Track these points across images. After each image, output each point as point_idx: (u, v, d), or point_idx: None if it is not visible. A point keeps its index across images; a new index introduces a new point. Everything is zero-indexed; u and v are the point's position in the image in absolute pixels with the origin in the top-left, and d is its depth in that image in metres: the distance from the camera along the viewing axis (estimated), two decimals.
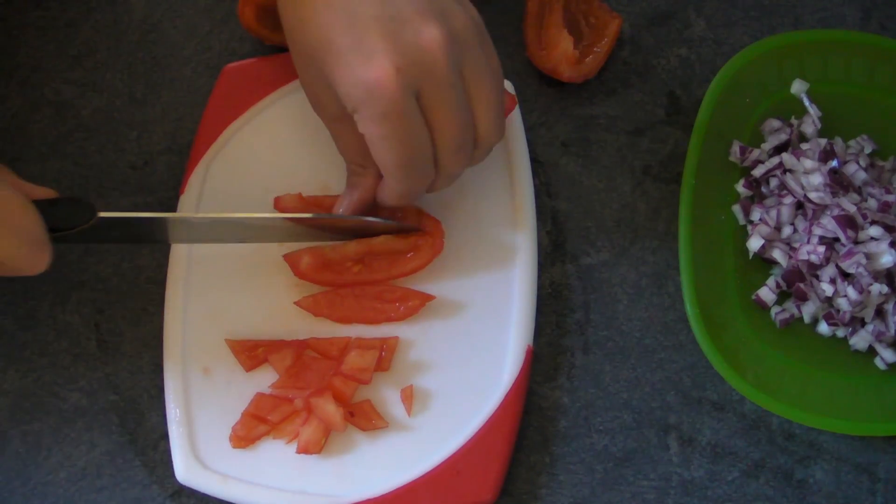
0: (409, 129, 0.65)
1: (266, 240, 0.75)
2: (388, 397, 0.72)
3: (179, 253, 0.75)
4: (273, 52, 0.81)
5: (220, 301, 0.74)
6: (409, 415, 0.72)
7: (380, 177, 0.71)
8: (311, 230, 0.74)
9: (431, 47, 0.64)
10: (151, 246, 0.77)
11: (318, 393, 0.71)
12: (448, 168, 0.68)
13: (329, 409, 0.70)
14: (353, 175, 0.72)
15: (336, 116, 0.69)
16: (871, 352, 0.74)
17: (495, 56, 0.68)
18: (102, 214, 0.66)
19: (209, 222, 0.72)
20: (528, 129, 0.79)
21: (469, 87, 0.66)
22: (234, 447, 0.71)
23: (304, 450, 0.70)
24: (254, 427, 0.71)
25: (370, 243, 0.74)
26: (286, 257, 0.74)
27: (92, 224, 0.65)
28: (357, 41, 0.64)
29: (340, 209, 0.73)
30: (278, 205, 0.75)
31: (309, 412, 0.71)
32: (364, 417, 0.71)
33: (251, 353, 0.73)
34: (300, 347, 0.73)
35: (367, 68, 0.63)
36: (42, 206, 0.63)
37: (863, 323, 0.74)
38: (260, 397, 0.72)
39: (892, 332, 0.73)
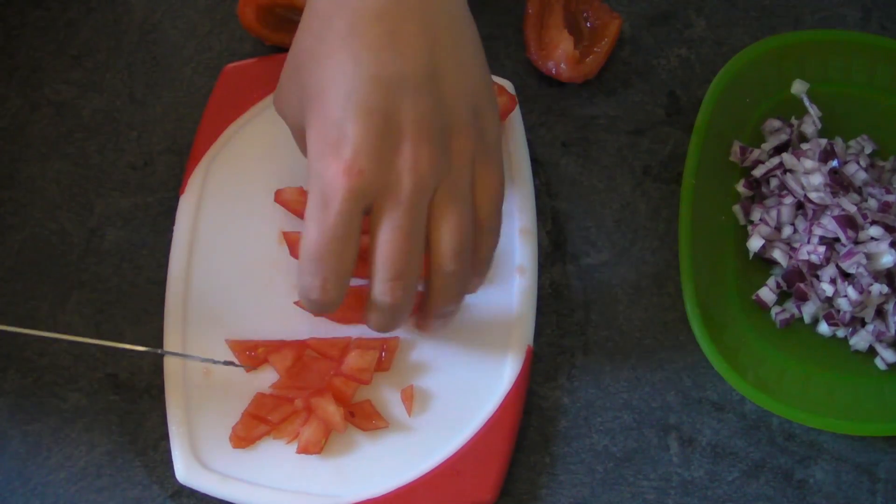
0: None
1: None
2: (388, 397, 0.72)
3: (179, 252, 0.75)
4: (273, 52, 0.81)
5: (220, 301, 0.74)
6: (409, 415, 0.72)
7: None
8: None
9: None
10: (152, 246, 0.77)
11: (318, 393, 0.71)
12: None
13: (329, 409, 0.70)
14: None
15: (300, 130, 0.65)
16: (872, 352, 0.74)
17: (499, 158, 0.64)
18: None
19: None
20: (528, 129, 0.79)
21: (478, 172, 0.62)
22: (235, 447, 0.71)
23: (304, 450, 0.70)
24: (254, 427, 0.71)
25: None
26: (286, 235, 0.75)
27: None
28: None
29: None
30: (279, 197, 0.75)
31: (309, 412, 0.71)
32: (364, 417, 0.71)
33: (251, 353, 0.73)
34: (300, 347, 0.73)
35: (335, 153, 0.59)
36: None
37: (863, 323, 0.74)
38: (260, 397, 0.72)
39: (893, 332, 0.73)
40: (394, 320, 0.65)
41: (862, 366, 0.74)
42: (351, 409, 0.71)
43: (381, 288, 0.62)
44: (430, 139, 0.60)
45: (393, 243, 0.61)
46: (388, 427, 0.72)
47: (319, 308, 0.63)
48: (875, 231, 0.73)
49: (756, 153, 0.77)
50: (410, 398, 0.72)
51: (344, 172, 0.59)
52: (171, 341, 0.73)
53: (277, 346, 0.73)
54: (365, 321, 0.66)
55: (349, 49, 0.60)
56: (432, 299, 0.66)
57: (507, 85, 0.79)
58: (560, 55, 0.79)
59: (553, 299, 0.76)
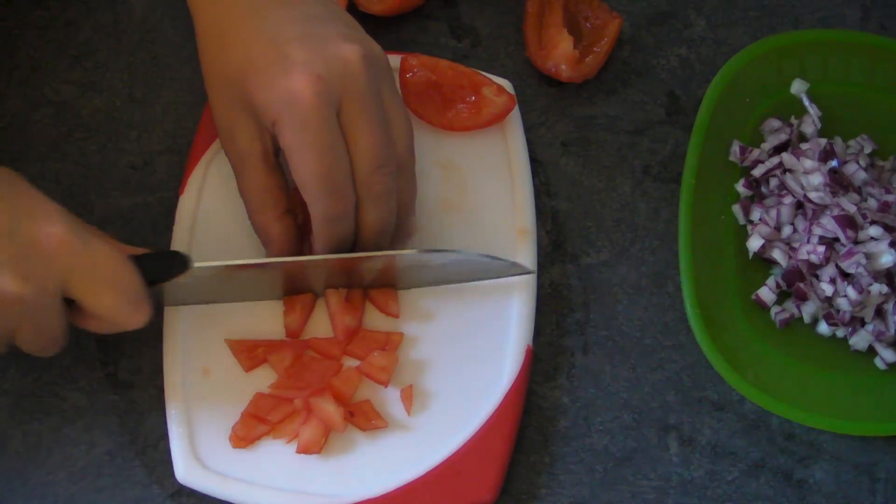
0: (327, 138, 0.65)
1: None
2: (388, 397, 0.72)
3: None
4: None
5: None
6: (408, 415, 0.72)
7: (287, 218, 0.71)
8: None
9: (352, 60, 0.66)
10: (152, 246, 0.76)
11: (317, 393, 0.71)
12: (371, 188, 0.68)
13: (329, 409, 0.70)
14: (258, 227, 0.72)
15: (245, 151, 0.69)
16: (871, 352, 0.74)
17: (402, 101, 0.71)
18: (198, 265, 0.67)
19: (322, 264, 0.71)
20: (528, 129, 0.79)
21: (386, 107, 0.68)
22: (234, 447, 0.71)
23: (304, 450, 0.70)
24: (254, 427, 0.71)
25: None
26: None
27: (188, 274, 0.67)
28: (279, 56, 0.65)
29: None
30: None
31: (309, 412, 0.71)
32: (364, 417, 0.71)
33: (251, 353, 0.73)
34: (300, 347, 0.73)
35: (288, 77, 0.65)
36: (137, 260, 0.65)
37: (863, 323, 0.74)
38: (260, 397, 0.72)
39: (892, 331, 0.73)
40: (378, 216, 0.69)
41: (862, 366, 0.74)
42: (350, 409, 0.71)
43: (369, 177, 0.67)
44: (355, 41, 0.67)
45: (368, 133, 0.66)
46: (388, 427, 0.72)
47: (339, 225, 0.68)
48: (874, 231, 0.73)
49: (756, 153, 0.78)
50: (410, 398, 0.72)
51: (306, 83, 0.64)
52: (171, 341, 0.73)
53: (277, 346, 0.73)
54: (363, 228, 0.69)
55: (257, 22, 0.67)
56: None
57: (507, 85, 0.79)
58: (560, 55, 0.79)
59: (553, 299, 0.76)
